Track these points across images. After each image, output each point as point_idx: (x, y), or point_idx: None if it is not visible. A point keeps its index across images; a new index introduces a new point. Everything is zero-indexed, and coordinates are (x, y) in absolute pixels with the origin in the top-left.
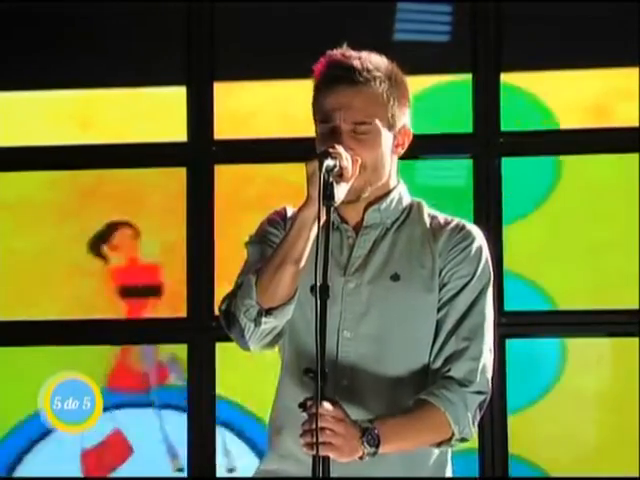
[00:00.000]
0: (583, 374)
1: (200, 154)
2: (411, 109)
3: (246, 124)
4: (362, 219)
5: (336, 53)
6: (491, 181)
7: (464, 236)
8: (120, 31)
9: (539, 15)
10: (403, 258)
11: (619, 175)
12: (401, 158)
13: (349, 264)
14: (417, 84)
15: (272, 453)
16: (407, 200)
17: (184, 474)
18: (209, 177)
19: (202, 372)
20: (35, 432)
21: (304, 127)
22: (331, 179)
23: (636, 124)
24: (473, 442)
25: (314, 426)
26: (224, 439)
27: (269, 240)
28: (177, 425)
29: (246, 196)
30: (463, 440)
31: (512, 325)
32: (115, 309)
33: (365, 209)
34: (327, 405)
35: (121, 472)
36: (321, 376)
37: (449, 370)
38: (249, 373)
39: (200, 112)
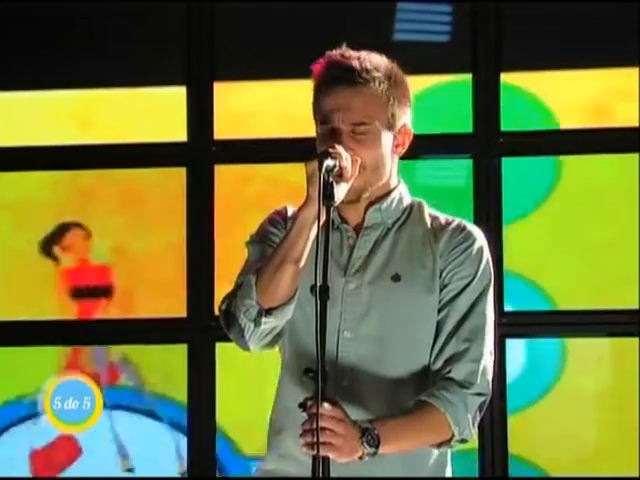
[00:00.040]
0: (583, 374)
1: (200, 154)
2: (412, 109)
3: (246, 124)
4: (363, 219)
5: (335, 54)
6: (491, 181)
7: (465, 237)
8: (120, 31)
9: (539, 15)
10: (404, 259)
11: (619, 175)
12: (401, 158)
13: (349, 265)
14: (417, 84)
15: (272, 453)
16: (408, 200)
17: (134, 474)
18: (209, 177)
19: (202, 372)
20: None
21: (304, 127)
22: (331, 179)
23: (636, 124)
24: (473, 442)
25: (314, 426)
26: (178, 443)
27: (269, 240)
28: (127, 425)
29: (246, 196)
30: (463, 441)
31: (512, 325)
32: (66, 310)
33: (366, 209)
34: (327, 405)
35: (70, 472)
36: (321, 376)
37: (449, 371)
38: (249, 373)
39: (200, 112)
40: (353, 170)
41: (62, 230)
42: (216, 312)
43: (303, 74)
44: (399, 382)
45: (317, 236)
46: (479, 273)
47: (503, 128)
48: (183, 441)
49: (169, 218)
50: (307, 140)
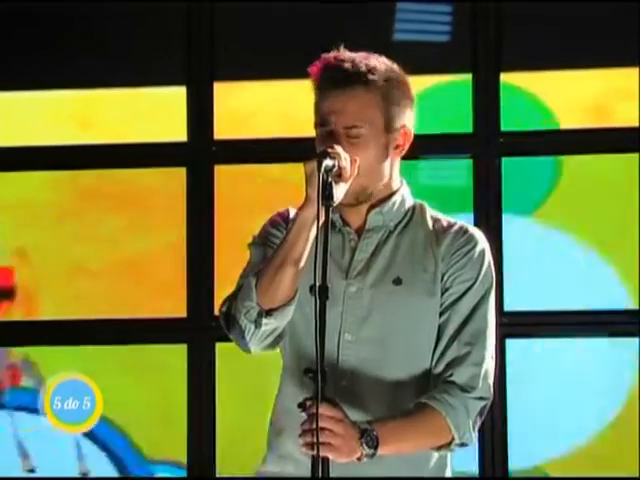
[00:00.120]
0: None
1: (200, 154)
2: (413, 109)
3: (246, 124)
4: (365, 222)
5: (330, 56)
6: (491, 181)
7: (467, 240)
8: (120, 31)
9: (539, 15)
10: (406, 262)
11: (619, 175)
12: (402, 158)
13: (351, 267)
14: (417, 84)
15: (272, 454)
16: (410, 202)
17: (35, 475)
18: (209, 177)
19: (202, 372)
20: None
21: (304, 127)
22: (330, 179)
23: (636, 124)
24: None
25: (313, 426)
26: (78, 443)
27: (271, 242)
28: (28, 426)
29: (246, 196)
30: (463, 445)
31: (512, 325)
32: None
33: (368, 212)
34: (326, 405)
35: None
36: (321, 376)
37: (451, 375)
38: (249, 373)
39: (200, 112)
40: (352, 170)
41: None
42: (216, 312)
43: (303, 74)
44: (399, 385)
45: (316, 236)
46: (481, 276)
47: (503, 128)
48: (83, 441)
49: (169, 218)
50: (307, 140)
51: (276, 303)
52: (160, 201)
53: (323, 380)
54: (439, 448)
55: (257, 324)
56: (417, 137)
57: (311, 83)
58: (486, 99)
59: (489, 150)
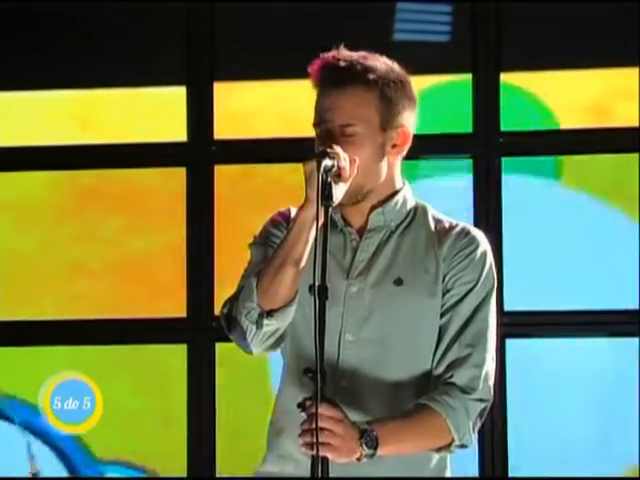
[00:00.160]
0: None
1: (200, 154)
2: (414, 109)
3: (246, 124)
4: (366, 222)
5: (328, 55)
6: (491, 181)
7: (469, 241)
8: (120, 31)
9: (539, 15)
10: (407, 262)
11: (619, 175)
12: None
13: (352, 267)
14: (417, 84)
15: (272, 454)
16: (411, 203)
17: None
18: (209, 177)
19: (202, 372)
20: None
21: (304, 127)
22: (329, 179)
23: (636, 124)
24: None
25: (313, 426)
26: (29, 443)
27: (272, 242)
28: None
29: (246, 196)
30: (463, 447)
31: (512, 325)
32: None
33: (369, 212)
34: (326, 406)
35: None
36: (320, 376)
37: (451, 376)
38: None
39: (200, 112)
40: (351, 170)
41: None
42: (216, 312)
43: (303, 74)
44: (399, 385)
45: (316, 237)
46: (482, 278)
47: (503, 128)
48: (34, 443)
49: (169, 218)
50: (307, 140)
51: (277, 304)
52: (160, 201)
53: (323, 380)
54: (439, 449)
55: (258, 325)
56: (417, 137)
57: (311, 82)
58: (486, 99)
59: (489, 150)
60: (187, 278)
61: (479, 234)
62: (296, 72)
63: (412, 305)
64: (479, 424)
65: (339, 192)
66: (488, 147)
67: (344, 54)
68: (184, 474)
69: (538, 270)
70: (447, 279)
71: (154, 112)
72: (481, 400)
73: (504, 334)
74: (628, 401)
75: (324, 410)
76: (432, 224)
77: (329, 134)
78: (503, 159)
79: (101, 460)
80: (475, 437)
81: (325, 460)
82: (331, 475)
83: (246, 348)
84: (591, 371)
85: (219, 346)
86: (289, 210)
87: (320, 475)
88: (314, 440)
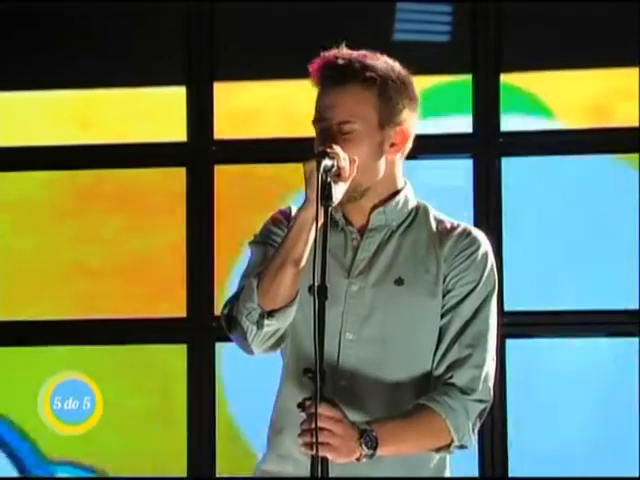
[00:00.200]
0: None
1: (200, 154)
2: (415, 109)
3: (246, 124)
4: (367, 221)
5: (329, 54)
6: (491, 181)
7: (470, 242)
8: (120, 31)
9: (539, 15)
10: (408, 262)
11: (617, 175)
12: None
13: (353, 266)
14: (417, 84)
15: (271, 454)
16: (413, 203)
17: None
18: (209, 177)
19: (202, 372)
20: None
21: (304, 127)
22: (329, 179)
23: (636, 124)
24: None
25: (313, 426)
26: None
27: (272, 240)
28: None
29: (246, 196)
30: (462, 447)
31: (512, 325)
32: None
33: (370, 211)
34: (326, 405)
35: None
36: (320, 376)
37: (451, 377)
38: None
39: (200, 112)
40: (351, 170)
41: None
42: (216, 312)
43: (303, 74)
44: (399, 385)
45: (315, 237)
46: (483, 279)
47: (503, 128)
48: None
49: (169, 218)
50: (307, 140)
51: (277, 304)
52: (160, 201)
53: (322, 380)
54: (438, 450)
55: (259, 325)
56: (417, 137)
57: (311, 80)
58: (486, 99)
59: (489, 150)
60: (187, 278)
61: (480, 235)
62: (296, 72)
63: (413, 305)
64: (479, 425)
65: (339, 192)
66: (488, 147)
67: (344, 53)
68: (184, 474)
69: (538, 269)
70: (448, 279)
71: (154, 112)
72: (481, 401)
73: (504, 334)
74: (628, 401)
75: (324, 410)
76: (433, 224)
77: (327, 131)
78: (503, 159)
79: (52, 461)
80: (475, 438)
81: (325, 460)
82: (331, 475)
83: (247, 348)
84: (591, 371)
85: (219, 346)
86: (289, 209)
87: (320, 475)
88: (314, 440)
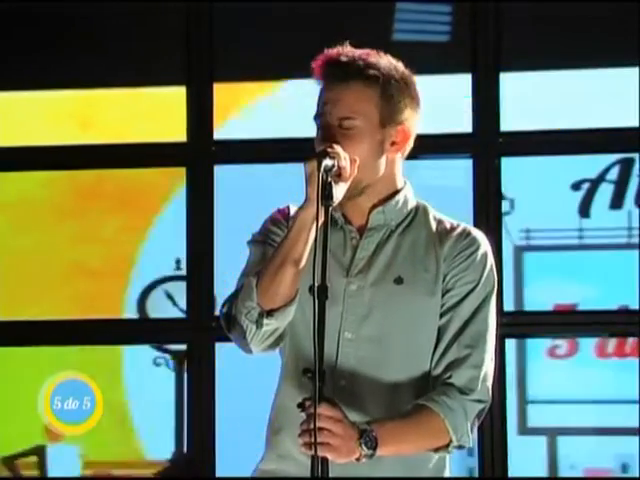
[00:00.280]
0: None
1: (200, 154)
2: (417, 109)
3: (247, 124)
4: (367, 220)
5: (332, 51)
6: (491, 181)
7: (470, 242)
8: (120, 31)
9: (539, 15)
10: (407, 261)
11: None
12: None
13: (352, 265)
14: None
15: (270, 453)
16: (412, 203)
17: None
18: (209, 177)
19: (202, 372)
20: None
21: (304, 127)
22: (329, 179)
23: (636, 124)
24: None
25: (312, 426)
26: None
27: (271, 239)
28: None
29: (246, 196)
30: (461, 447)
31: (512, 325)
32: None
33: (370, 210)
34: (325, 405)
35: None
36: (319, 376)
37: (450, 377)
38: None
39: (200, 112)
40: (352, 170)
41: None
42: (216, 312)
43: (303, 74)
44: (398, 385)
45: (316, 236)
46: (483, 279)
47: (503, 128)
48: None
49: (169, 218)
50: (307, 140)
51: (277, 303)
52: (160, 201)
53: (322, 380)
54: (437, 450)
55: (258, 324)
56: (417, 137)
57: (314, 77)
58: (486, 99)
59: (489, 150)
60: (187, 278)
61: (480, 235)
62: (296, 72)
63: (412, 304)
64: (477, 425)
65: (339, 192)
66: (488, 147)
67: (348, 50)
68: (184, 474)
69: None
70: (448, 279)
71: (154, 112)
72: (479, 401)
73: (504, 334)
74: (628, 401)
75: (323, 410)
76: (433, 224)
77: (328, 129)
78: (503, 159)
79: None
80: (473, 438)
81: (325, 460)
82: (331, 475)
83: (245, 348)
84: (590, 370)
85: (219, 346)
86: (288, 208)
87: (320, 475)
88: (313, 440)
